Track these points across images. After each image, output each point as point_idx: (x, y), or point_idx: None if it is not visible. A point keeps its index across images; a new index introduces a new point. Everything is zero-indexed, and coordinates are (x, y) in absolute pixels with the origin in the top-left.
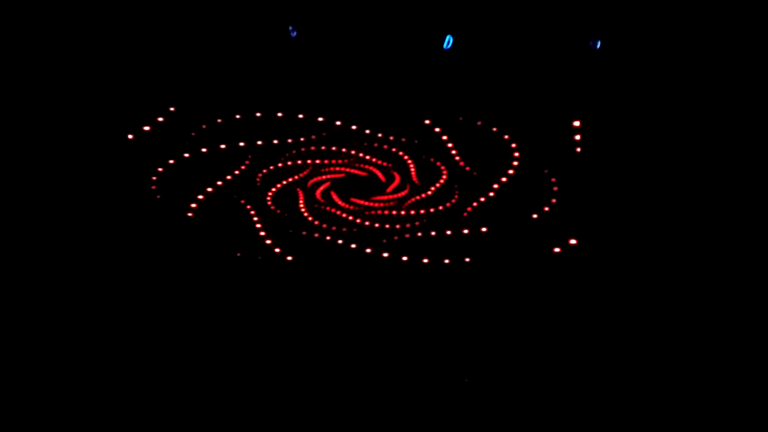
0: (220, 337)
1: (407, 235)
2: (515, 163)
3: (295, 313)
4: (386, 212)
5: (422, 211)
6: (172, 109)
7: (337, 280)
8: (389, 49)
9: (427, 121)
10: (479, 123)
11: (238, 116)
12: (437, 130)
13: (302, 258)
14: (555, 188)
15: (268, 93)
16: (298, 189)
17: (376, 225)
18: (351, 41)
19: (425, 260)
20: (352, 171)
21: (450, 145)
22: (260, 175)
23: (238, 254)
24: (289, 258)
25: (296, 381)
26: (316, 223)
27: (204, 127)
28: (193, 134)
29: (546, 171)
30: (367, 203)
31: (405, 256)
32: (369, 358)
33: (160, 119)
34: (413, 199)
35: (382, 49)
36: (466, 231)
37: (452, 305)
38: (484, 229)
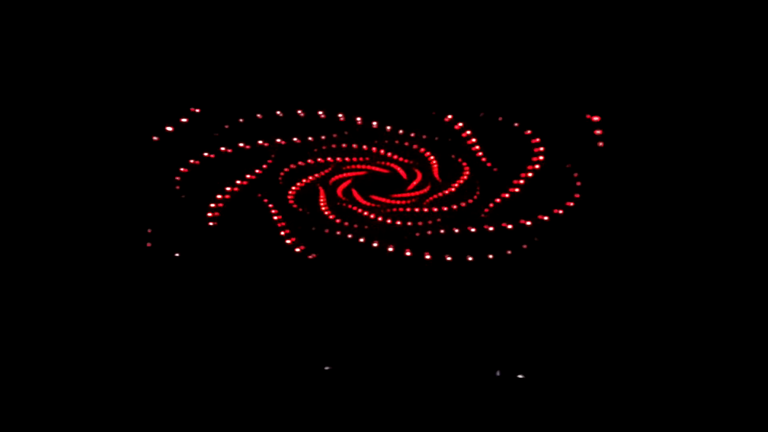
0: (234, 334)
1: (429, 232)
2: (540, 158)
3: (312, 309)
4: (407, 210)
5: (444, 209)
6: (196, 110)
7: (357, 277)
8: (411, 44)
9: (449, 117)
10: (500, 119)
11: (259, 116)
12: (460, 125)
13: (324, 255)
14: (578, 183)
15: (290, 91)
16: (320, 187)
17: (398, 223)
18: (376, 37)
19: (448, 258)
20: (374, 169)
21: (473, 140)
22: (282, 174)
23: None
24: (311, 256)
25: (308, 379)
26: (338, 221)
27: (227, 127)
28: (216, 134)
29: (569, 165)
30: (387, 200)
31: (427, 254)
32: (382, 355)
33: (184, 120)
34: (434, 197)
35: (404, 44)
36: (491, 228)
37: (471, 303)
38: (510, 227)
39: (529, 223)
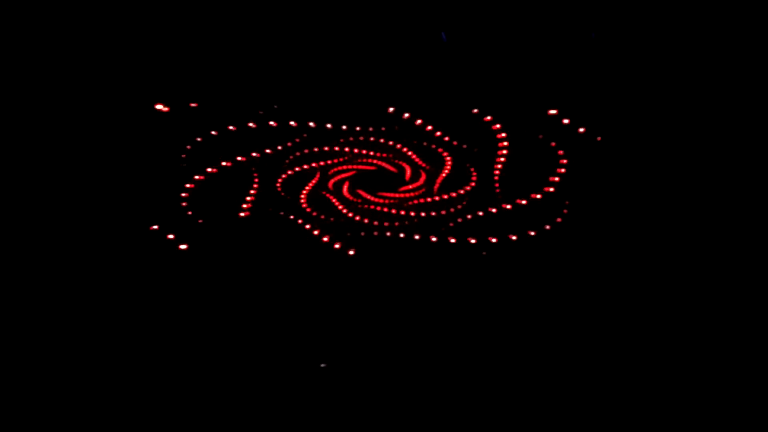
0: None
1: (388, 233)
2: (549, 189)
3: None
4: (386, 210)
5: (423, 214)
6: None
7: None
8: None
9: (496, 125)
10: (540, 137)
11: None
12: (505, 144)
13: (274, 240)
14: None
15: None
16: (318, 173)
17: (365, 221)
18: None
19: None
20: (384, 165)
21: (502, 159)
22: (291, 157)
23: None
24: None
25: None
26: (308, 209)
27: (261, 112)
28: (260, 112)
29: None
30: (370, 197)
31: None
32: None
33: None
34: (414, 202)
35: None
36: (453, 240)
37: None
38: (473, 241)
39: (474, 241)
